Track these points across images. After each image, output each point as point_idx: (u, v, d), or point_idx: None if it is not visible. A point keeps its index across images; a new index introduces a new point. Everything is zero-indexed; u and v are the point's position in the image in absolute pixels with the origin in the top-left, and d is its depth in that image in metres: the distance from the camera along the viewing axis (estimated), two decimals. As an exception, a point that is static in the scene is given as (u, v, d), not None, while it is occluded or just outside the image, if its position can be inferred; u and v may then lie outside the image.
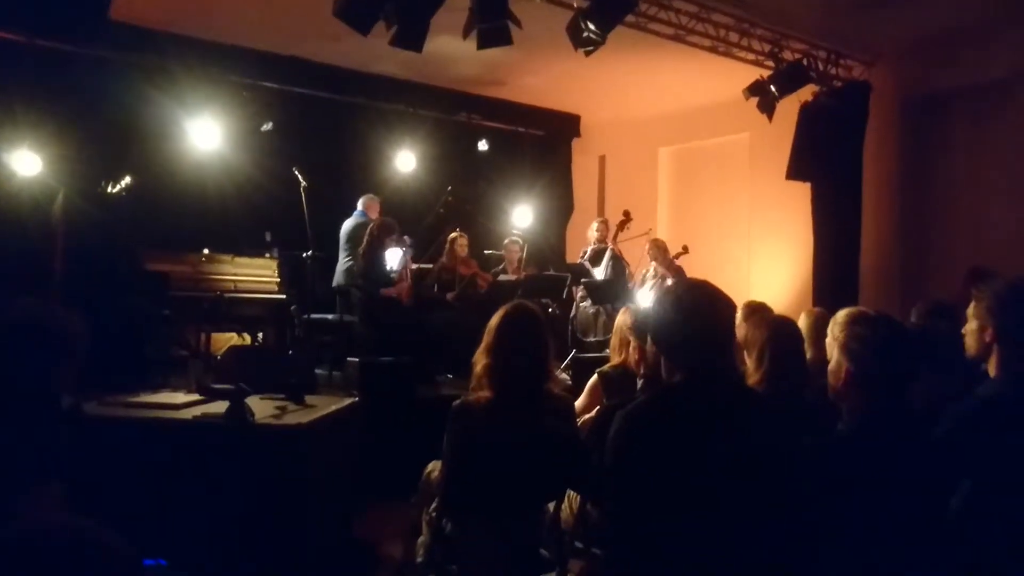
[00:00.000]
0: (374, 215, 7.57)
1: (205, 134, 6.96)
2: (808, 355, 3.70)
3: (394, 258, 6.84)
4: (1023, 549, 2.02)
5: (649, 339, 2.07)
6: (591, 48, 5.94)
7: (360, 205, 7.67)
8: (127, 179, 6.04)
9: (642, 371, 3.30)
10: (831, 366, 2.20)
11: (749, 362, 3.33)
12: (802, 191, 7.64)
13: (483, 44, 5.40)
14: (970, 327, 2.34)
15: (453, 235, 7.85)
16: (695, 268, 7.29)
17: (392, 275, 6.86)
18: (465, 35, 5.46)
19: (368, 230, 6.92)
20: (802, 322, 4.01)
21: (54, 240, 5.66)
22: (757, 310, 4.01)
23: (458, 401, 2.83)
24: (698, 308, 1.96)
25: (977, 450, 2.11)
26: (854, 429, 2.07)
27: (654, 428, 1.86)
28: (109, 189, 5.98)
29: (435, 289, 7.76)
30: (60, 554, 1.71)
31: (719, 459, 1.82)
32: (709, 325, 1.95)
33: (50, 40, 6.54)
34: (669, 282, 7.60)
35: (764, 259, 8.71)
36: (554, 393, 2.87)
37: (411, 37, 5.28)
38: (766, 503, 1.81)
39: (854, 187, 7.40)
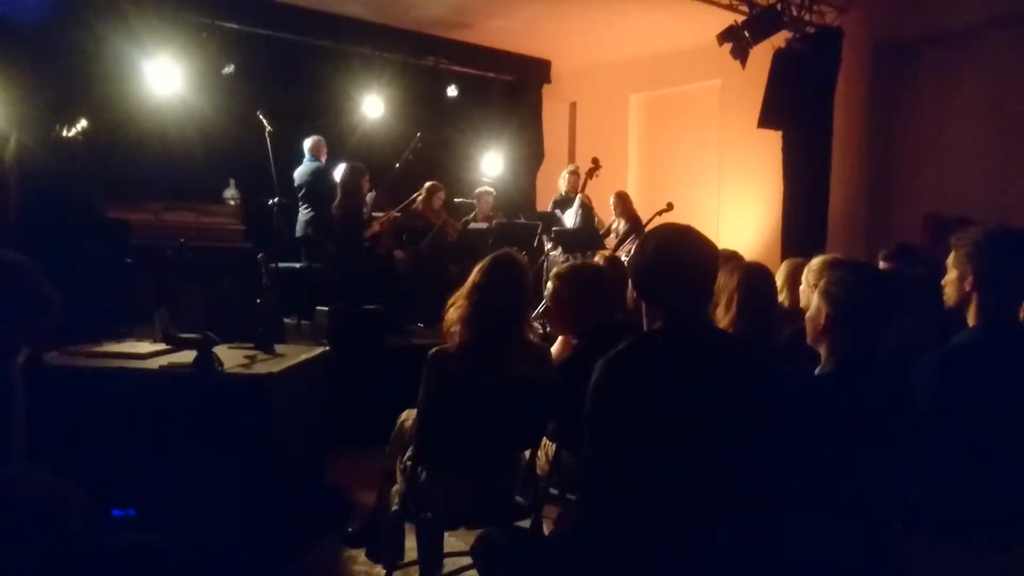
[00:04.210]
0: (323, 158, 7.45)
1: (163, 77, 6.72)
2: (783, 301, 3.72)
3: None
4: (999, 495, 2.05)
5: (630, 285, 2.02)
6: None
7: (308, 150, 7.46)
8: (83, 123, 5.81)
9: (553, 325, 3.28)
10: (810, 312, 2.20)
11: (719, 308, 3.33)
12: (772, 138, 7.62)
13: (453, -17, 5.25)
14: (949, 277, 2.33)
15: (432, 185, 7.73)
16: (665, 215, 7.26)
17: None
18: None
19: (341, 179, 6.86)
20: (781, 269, 4.02)
21: (7, 187, 5.45)
22: (730, 258, 4.01)
23: (435, 348, 2.80)
24: (681, 253, 1.92)
25: (954, 398, 2.12)
26: (833, 372, 2.08)
27: (635, 375, 1.83)
28: (64, 133, 5.75)
29: (403, 238, 7.68)
30: (21, 507, 1.66)
31: (701, 405, 1.80)
32: (692, 270, 1.92)
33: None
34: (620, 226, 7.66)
35: (734, 207, 8.73)
36: (531, 340, 2.86)
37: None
38: (748, 447, 1.80)
39: (824, 135, 7.40)
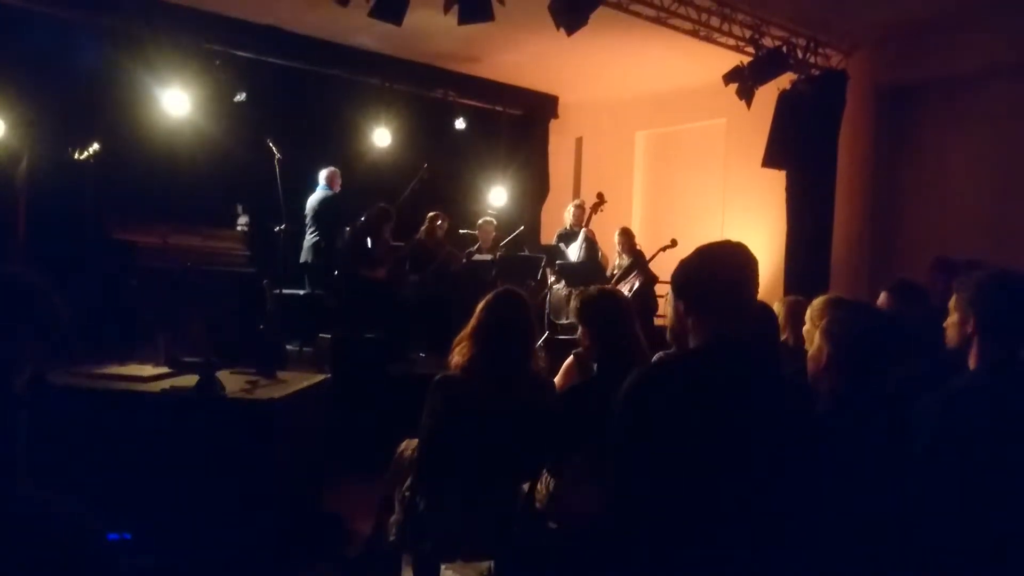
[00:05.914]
0: (337, 187, 7.56)
1: (176, 102, 6.80)
2: (785, 339, 3.73)
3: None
4: (998, 537, 2.04)
5: (673, 300, 1.97)
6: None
7: (323, 179, 7.60)
8: (95, 145, 5.87)
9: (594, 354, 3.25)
10: (812, 351, 2.21)
11: None
12: (776, 178, 7.68)
13: (464, 19, 5.33)
14: (952, 319, 2.34)
15: (434, 214, 7.79)
16: (669, 252, 7.29)
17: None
18: (446, 10, 5.38)
19: (367, 214, 7.02)
20: (776, 308, 4.03)
21: (17, 205, 5.51)
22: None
23: (440, 374, 2.81)
24: (731, 260, 1.88)
25: (953, 439, 2.12)
26: (833, 410, 2.09)
27: (670, 385, 1.80)
28: (76, 155, 5.81)
29: (407, 266, 7.71)
30: (25, 524, 1.66)
31: (731, 424, 1.76)
32: (740, 276, 1.87)
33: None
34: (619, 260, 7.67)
35: (737, 245, 8.76)
36: (535, 371, 2.86)
37: (391, 9, 5.21)
38: (776, 470, 1.77)
39: (828, 176, 7.46)
